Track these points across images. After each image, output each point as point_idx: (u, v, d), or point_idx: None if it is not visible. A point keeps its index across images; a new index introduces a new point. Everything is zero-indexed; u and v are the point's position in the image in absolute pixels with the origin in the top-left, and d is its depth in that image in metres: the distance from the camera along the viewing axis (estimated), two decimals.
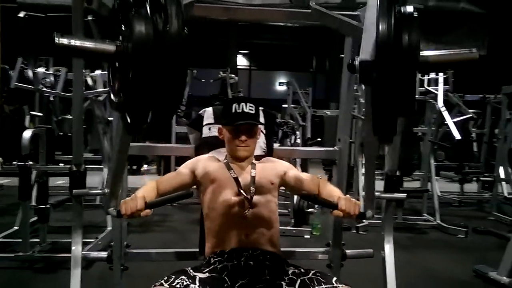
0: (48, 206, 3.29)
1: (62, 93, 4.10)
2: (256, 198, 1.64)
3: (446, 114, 4.76)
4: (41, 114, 4.52)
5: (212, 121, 2.08)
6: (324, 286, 1.38)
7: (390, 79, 0.98)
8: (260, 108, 1.91)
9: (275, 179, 1.72)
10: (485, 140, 6.75)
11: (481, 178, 6.20)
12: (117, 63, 1.01)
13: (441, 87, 5.07)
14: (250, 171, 1.71)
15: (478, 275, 3.13)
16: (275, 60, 16.91)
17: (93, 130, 6.76)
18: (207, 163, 1.73)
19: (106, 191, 1.61)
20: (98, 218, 4.69)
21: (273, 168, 1.76)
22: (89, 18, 3.72)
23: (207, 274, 1.44)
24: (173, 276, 1.38)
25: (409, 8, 1.03)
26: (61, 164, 4.07)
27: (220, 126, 1.82)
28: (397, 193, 1.79)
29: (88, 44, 0.97)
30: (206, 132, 2.06)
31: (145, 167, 9.30)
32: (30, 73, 4.07)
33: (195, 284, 1.37)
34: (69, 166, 1.73)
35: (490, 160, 6.66)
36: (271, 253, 1.59)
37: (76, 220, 1.81)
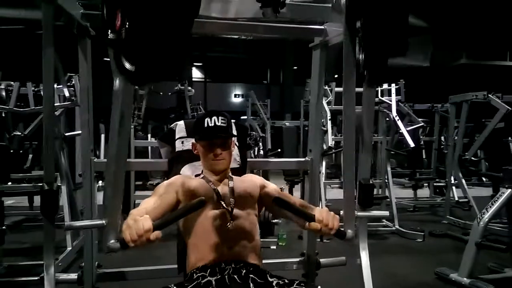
0: (4, 228, 3.11)
1: (15, 108, 3.91)
2: (236, 210, 1.63)
3: (400, 123, 4.97)
4: None
5: (184, 134, 2.06)
6: None
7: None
8: (233, 121, 1.92)
9: (253, 191, 1.73)
10: (434, 147, 7.09)
11: (435, 184, 6.47)
12: None
13: (393, 97, 5.30)
14: (228, 183, 1.71)
15: (440, 277, 3.26)
16: (229, 72, 17.01)
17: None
18: (185, 180, 1.70)
19: (104, 222, 1.47)
20: (56, 238, 4.50)
21: (250, 181, 1.77)
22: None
23: None
24: None
25: None
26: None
27: (194, 141, 1.81)
28: (377, 211, 1.82)
29: None
30: (179, 146, 2.04)
31: (100, 183, 8.97)
32: None
33: None
34: (39, 184, 1.64)
35: (439, 166, 7.01)
36: (254, 265, 1.58)
37: (48, 241, 1.73)
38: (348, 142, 1.58)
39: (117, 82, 1.20)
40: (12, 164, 4.08)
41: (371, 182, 1.81)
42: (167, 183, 1.68)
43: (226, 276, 1.49)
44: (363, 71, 1.34)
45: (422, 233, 4.59)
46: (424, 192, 7.48)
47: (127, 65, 0.94)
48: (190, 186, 1.64)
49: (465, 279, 3.04)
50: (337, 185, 7.29)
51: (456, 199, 6.25)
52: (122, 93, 1.25)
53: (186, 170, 1.94)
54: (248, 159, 2.12)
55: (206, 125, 1.68)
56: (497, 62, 13.51)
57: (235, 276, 1.50)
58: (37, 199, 6.04)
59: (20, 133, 4.38)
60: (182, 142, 2.04)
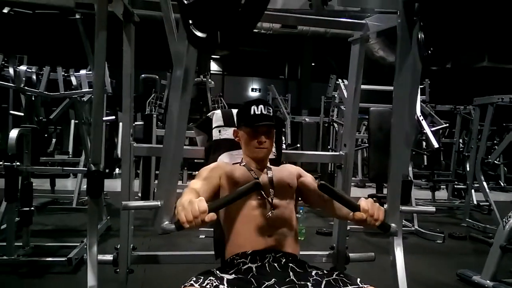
0: (32, 208, 3.17)
1: (46, 92, 3.97)
2: (276, 200, 1.65)
3: (424, 123, 4.93)
4: (22, 114, 4.37)
5: (222, 123, 2.09)
6: (350, 287, 1.41)
7: None
8: None
9: (292, 181, 1.75)
10: (455, 150, 7.03)
11: (455, 186, 6.43)
12: None
13: (418, 97, 5.26)
14: (267, 173, 1.73)
15: (462, 279, 3.25)
16: (247, 66, 16.99)
17: (66, 131, 6.63)
18: (229, 167, 1.73)
19: (159, 203, 1.48)
20: (76, 221, 4.60)
21: (289, 171, 1.79)
22: (76, 16, 3.66)
23: (233, 275, 1.45)
24: (202, 277, 1.38)
25: None
26: None
27: (236, 128, 1.84)
28: (422, 207, 1.83)
29: None
30: (216, 135, 2.06)
31: (117, 170, 9.10)
32: (11, 71, 3.92)
33: (224, 285, 1.36)
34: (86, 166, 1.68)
35: (457, 169, 6.96)
36: (293, 255, 1.61)
37: (92, 222, 1.77)
38: (396, 138, 1.58)
39: (178, 49, 1.22)
40: (41, 147, 4.16)
41: (409, 178, 1.81)
42: (211, 167, 1.71)
43: (266, 264, 1.52)
44: (426, 52, 1.32)
45: (442, 235, 4.57)
46: (441, 194, 7.44)
47: (198, 33, 0.93)
48: (234, 173, 1.67)
49: (488, 281, 3.03)
50: (353, 183, 7.29)
51: (476, 202, 6.23)
52: (187, 60, 1.27)
53: (223, 158, 1.96)
54: (283, 151, 2.13)
55: (252, 112, 1.70)
56: None
57: (275, 264, 1.52)
58: (58, 182, 6.17)
59: (43, 118, 4.46)
60: (219, 131, 2.07)
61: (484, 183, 5.06)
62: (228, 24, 0.89)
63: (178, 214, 1.23)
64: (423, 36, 1.33)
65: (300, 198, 1.82)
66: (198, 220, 1.19)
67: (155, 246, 3.85)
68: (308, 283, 1.46)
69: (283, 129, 6.72)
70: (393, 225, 1.49)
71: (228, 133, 2.03)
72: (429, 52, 1.30)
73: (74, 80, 4.20)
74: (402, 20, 1.38)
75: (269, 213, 1.61)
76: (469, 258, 3.98)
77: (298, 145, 6.57)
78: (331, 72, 6.50)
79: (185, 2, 0.94)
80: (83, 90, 4.10)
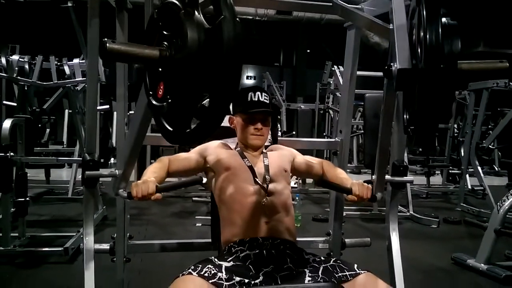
0: (28, 199, 3.17)
1: (39, 82, 3.93)
2: (271, 186, 1.66)
3: None
4: (15, 104, 4.33)
5: None
6: (347, 273, 1.42)
7: (437, 88, 1.04)
8: None
9: (287, 166, 1.76)
10: (449, 135, 7.05)
11: (450, 171, 6.47)
12: (160, 68, 1.01)
13: None
14: (263, 160, 1.73)
15: (457, 263, 3.28)
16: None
17: (60, 121, 6.58)
18: (219, 149, 1.74)
19: (117, 172, 1.61)
20: (72, 211, 4.59)
21: (283, 155, 1.80)
22: (69, 4, 3.61)
23: (231, 263, 1.45)
24: (200, 265, 1.38)
25: (451, 20, 1.10)
26: None
27: (231, 115, 1.82)
28: (404, 177, 1.86)
29: (134, 49, 0.96)
30: None
31: (112, 160, 9.06)
32: (3, 60, 3.88)
33: (222, 272, 1.37)
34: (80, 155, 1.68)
35: (452, 154, 7.00)
36: (290, 242, 1.61)
37: (88, 211, 1.76)
38: (384, 116, 1.60)
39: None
40: (35, 138, 4.14)
41: (405, 163, 1.82)
42: (201, 147, 1.77)
43: (264, 251, 1.52)
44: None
45: (437, 219, 4.61)
46: (436, 179, 7.49)
47: (166, 125, 1.02)
48: (226, 158, 1.69)
49: (482, 265, 3.07)
50: (348, 170, 7.32)
51: (470, 187, 6.28)
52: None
53: None
54: (279, 138, 2.13)
55: (249, 99, 1.69)
56: None
57: (273, 251, 1.53)
58: (53, 172, 6.15)
59: (36, 108, 4.42)
60: None
61: (479, 168, 5.10)
62: (190, 128, 0.96)
63: (131, 188, 1.41)
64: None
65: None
66: (145, 198, 1.40)
67: (151, 235, 3.86)
68: (306, 270, 1.47)
69: (279, 117, 6.71)
70: (378, 193, 1.71)
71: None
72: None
73: (67, 69, 4.16)
74: (397, 3, 1.37)
75: (264, 199, 1.61)
76: (464, 242, 4.03)
77: (294, 132, 6.57)
78: (326, 59, 6.48)
79: (153, 103, 1.04)
80: (76, 79, 4.07)
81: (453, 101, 1.24)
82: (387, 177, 1.84)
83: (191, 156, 1.74)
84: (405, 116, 1.34)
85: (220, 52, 0.86)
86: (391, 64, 1.18)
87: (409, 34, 1.23)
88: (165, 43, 0.98)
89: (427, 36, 1.04)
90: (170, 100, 0.99)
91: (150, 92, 1.07)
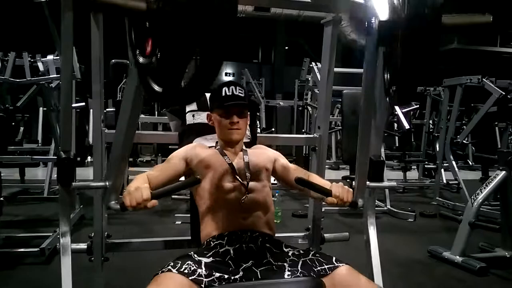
0: (2, 199, 3.09)
1: (11, 79, 3.83)
2: (251, 183, 1.66)
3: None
4: None
5: (195, 107, 2.06)
6: (326, 266, 1.44)
7: (420, 37, 1.02)
8: None
9: (268, 164, 1.76)
10: (425, 131, 7.18)
11: (426, 166, 6.59)
12: (147, 23, 0.95)
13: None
14: (243, 157, 1.73)
15: (433, 255, 3.36)
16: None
17: (35, 119, 6.44)
18: (199, 150, 1.73)
19: (107, 183, 1.54)
20: (48, 211, 4.51)
21: (265, 154, 1.80)
22: None
23: (211, 259, 1.45)
24: (179, 262, 1.37)
25: None
26: None
27: (209, 112, 1.82)
28: (385, 182, 1.87)
29: (119, 0, 0.90)
30: (190, 119, 2.04)
31: (89, 158, 8.92)
32: None
33: (202, 268, 1.37)
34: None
35: (427, 149, 7.14)
36: (269, 235, 1.62)
37: (64, 211, 1.73)
38: (364, 119, 1.60)
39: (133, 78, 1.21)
40: (8, 136, 4.04)
41: (381, 159, 1.85)
42: (180, 152, 1.73)
43: (243, 245, 1.53)
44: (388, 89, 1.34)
45: (414, 213, 4.70)
46: (412, 174, 7.62)
47: (155, 87, 0.95)
48: (206, 157, 1.67)
49: (457, 257, 3.14)
50: (327, 166, 7.38)
51: (445, 181, 6.41)
52: (135, 93, 1.26)
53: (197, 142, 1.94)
54: (258, 135, 2.13)
55: (224, 93, 1.69)
56: (487, 48, 13.65)
57: (252, 245, 1.54)
58: (28, 172, 6.02)
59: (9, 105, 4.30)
60: (193, 116, 2.05)
61: (453, 162, 5.21)
62: (181, 85, 0.90)
63: (124, 197, 1.32)
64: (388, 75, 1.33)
65: (276, 180, 1.85)
66: (140, 206, 1.29)
67: (130, 234, 3.81)
68: (285, 264, 1.48)
69: (257, 114, 6.73)
70: (359, 200, 1.62)
71: (202, 117, 2.01)
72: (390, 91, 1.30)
73: (41, 66, 4.07)
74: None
75: (244, 197, 1.61)
76: (440, 235, 4.11)
77: (273, 129, 6.60)
78: (304, 56, 6.50)
79: (141, 61, 0.97)
80: (50, 76, 3.97)
81: (437, 58, 1.19)
82: (368, 183, 1.78)
83: (172, 162, 1.68)
84: (385, 76, 1.32)
85: (211, 2, 0.82)
86: (371, 19, 1.15)
87: None
88: None
89: None
90: (159, 56, 0.91)
91: (137, 50, 1.01)
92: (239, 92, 1.72)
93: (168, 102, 0.97)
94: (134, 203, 1.29)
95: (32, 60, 4.15)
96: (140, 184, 1.40)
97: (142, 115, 4.85)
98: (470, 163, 8.57)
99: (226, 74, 16.26)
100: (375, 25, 1.14)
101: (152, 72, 0.95)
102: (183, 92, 0.91)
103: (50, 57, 4.04)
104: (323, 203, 1.63)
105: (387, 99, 1.41)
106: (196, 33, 0.84)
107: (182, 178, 1.69)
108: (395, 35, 1.11)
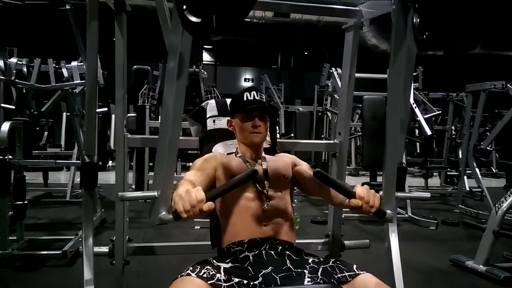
0: (26, 202, 3.16)
1: (37, 85, 3.93)
2: (271, 191, 1.65)
3: (417, 111, 4.95)
4: (13, 107, 4.32)
5: (216, 113, 2.07)
6: (346, 274, 1.42)
7: None
8: None
9: (287, 172, 1.75)
10: (447, 137, 7.07)
11: (448, 173, 6.47)
12: None
13: (411, 84, 5.26)
14: (262, 164, 1.73)
15: (455, 264, 3.29)
16: (239, 56, 16.91)
17: (58, 124, 6.57)
18: (225, 158, 1.72)
19: (156, 194, 1.45)
20: (70, 214, 4.59)
21: (283, 161, 1.79)
22: (67, 7, 3.61)
23: (230, 264, 1.45)
24: (199, 266, 1.38)
25: None
26: None
27: (229, 118, 1.83)
28: (418, 193, 1.84)
29: None
30: (210, 125, 2.05)
31: (110, 163, 9.04)
32: (1, 63, 3.88)
33: (221, 273, 1.37)
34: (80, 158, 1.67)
35: (449, 156, 7.01)
36: (289, 243, 1.61)
37: (87, 214, 1.76)
38: (391, 125, 1.58)
39: (173, 37, 1.21)
40: (33, 141, 4.13)
41: (403, 165, 1.82)
42: (206, 158, 1.68)
43: (263, 252, 1.52)
44: (422, 36, 1.31)
45: (435, 221, 4.62)
46: (434, 181, 7.50)
47: (192, 18, 0.92)
48: (229, 164, 1.66)
49: (481, 266, 3.07)
50: (347, 172, 7.32)
51: (468, 189, 6.28)
52: (181, 47, 1.26)
53: (218, 148, 1.95)
54: (278, 140, 2.13)
55: (245, 98, 1.70)
56: (511, 53, 13.35)
57: (272, 252, 1.53)
58: (51, 176, 6.15)
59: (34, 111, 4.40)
60: (214, 121, 2.05)
61: (477, 170, 5.11)
62: (223, 8, 0.89)
63: (175, 204, 1.21)
64: (418, 20, 1.32)
65: (295, 187, 1.83)
66: (196, 210, 1.17)
67: (150, 238, 3.85)
68: (305, 271, 1.47)
69: (277, 119, 6.74)
70: (388, 211, 1.47)
71: (222, 123, 2.02)
72: (424, 36, 1.30)
73: (65, 72, 4.16)
74: (397, 6, 1.38)
75: (265, 205, 1.61)
76: (462, 243, 4.03)
77: (292, 135, 6.57)
78: (324, 61, 6.49)
79: None
80: (74, 81, 4.07)
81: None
82: (400, 194, 1.69)
83: (207, 167, 1.60)
84: (415, 25, 1.30)
85: None
86: None
87: None
88: None
89: None
90: None
91: None
92: (261, 97, 1.73)
93: (204, 32, 0.93)
94: (188, 207, 1.17)
95: (56, 66, 4.24)
96: (189, 187, 1.28)
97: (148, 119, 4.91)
98: (494, 170, 8.41)
99: (245, 79, 16.35)
100: None
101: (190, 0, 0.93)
102: (219, 21, 0.89)
103: (74, 63, 4.13)
104: (345, 208, 1.51)
105: (418, 49, 1.36)
106: None
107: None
108: None
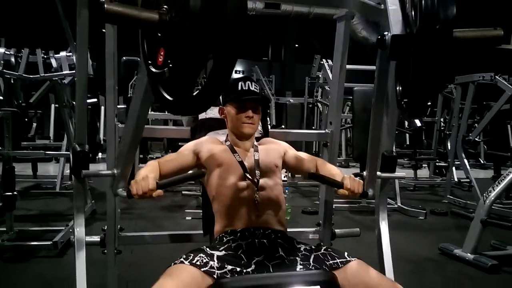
0: (15, 193, 3.13)
1: (25, 75, 3.87)
2: (262, 181, 1.66)
3: None
4: (1, 98, 4.26)
5: None
6: (338, 260, 1.44)
7: (432, 52, 1.02)
8: None
9: (278, 161, 1.76)
10: (436, 128, 7.13)
11: (437, 164, 6.54)
12: (159, 33, 0.96)
13: None
14: (253, 154, 1.73)
15: (444, 253, 3.34)
16: None
17: (47, 116, 6.51)
18: (211, 145, 1.73)
19: (115, 171, 1.57)
20: (60, 206, 4.56)
21: (274, 149, 1.80)
22: None
23: (223, 252, 1.46)
24: (192, 254, 1.39)
25: None
26: None
27: (221, 106, 1.83)
28: (395, 173, 1.88)
29: (132, 11, 0.90)
30: (202, 114, 2.05)
31: (100, 155, 8.99)
32: None
33: (214, 261, 1.38)
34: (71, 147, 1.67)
35: (438, 147, 7.08)
36: (281, 231, 1.63)
37: (78, 203, 1.75)
38: (375, 115, 1.60)
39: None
40: (21, 132, 4.09)
41: (394, 154, 1.84)
42: (193, 143, 1.76)
43: (256, 240, 1.53)
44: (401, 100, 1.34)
45: (424, 211, 4.68)
46: (423, 172, 7.58)
47: (166, 95, 0.98)
48: (217, 153, 1.68)
49: (469, 254, 3.13)
50: (337, 163, 7.35)
51: (456, 179, 6.36)
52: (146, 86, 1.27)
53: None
54: (270, 130, 2.13)
55: (240, 88, 1.70)
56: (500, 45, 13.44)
57: (264, 241, 1.54)
58: (40, 167, 6.10)
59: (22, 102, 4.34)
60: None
61: (465, 161, 5.17)
62: (193, 94, 0.91)
63: (131, 186, 1.36)
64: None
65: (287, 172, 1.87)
66: (146, 195, 1.34)
67: (141, 228, 3.85)
68: (297, 258, 1.49)
69: (268, 110, 6.74)
70: (370, 190, 1.69)
71: (214, 112, 2.01)
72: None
73: (54, 62, 4.10)
74: None
75: (256, 195, 1.62)
76: (451, 233, 4.10)
77: (283, 126, 6.59)
78: (314, 53, 6.49)
79: (153, 70, 0.99)
80: (63, 72, 4.01)
81: (449, 71, 1.20)
82: (378, 173, 1.83)
83: (183, 154, 1.72)
84: (398, 89, 1.32)
85: (224, 12, 0.82)
86: (384, 33, 1.16)
87: (402, 2, 1.22)
88: (165, 6, 0.92)
89: (422, 2, 1.03)
90: (171, 66, 0.93)
91: (149, 60, 1.02)
92: (255, 88, 1.73)
93: (179, 111, 0.98)
94: (140, 192, 1.33)
95: (45, 56, 4.18)
96: (148, 173, 1.44)
97: (152, 112, 4.87)
98: (482, 161, 8.50)
99: (236, 71, 16.24)
100: (387, 39, 1.15)
101: (164, 82, 0.97)
102: (195, 101, 0.92)
103: (63, 53, 4.07)
104: (335, 195, 1.66)
105: (399, 112, 1.43)
106: (208, 43, 0.85)
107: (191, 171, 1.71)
108: (407, 49, 1.12)
